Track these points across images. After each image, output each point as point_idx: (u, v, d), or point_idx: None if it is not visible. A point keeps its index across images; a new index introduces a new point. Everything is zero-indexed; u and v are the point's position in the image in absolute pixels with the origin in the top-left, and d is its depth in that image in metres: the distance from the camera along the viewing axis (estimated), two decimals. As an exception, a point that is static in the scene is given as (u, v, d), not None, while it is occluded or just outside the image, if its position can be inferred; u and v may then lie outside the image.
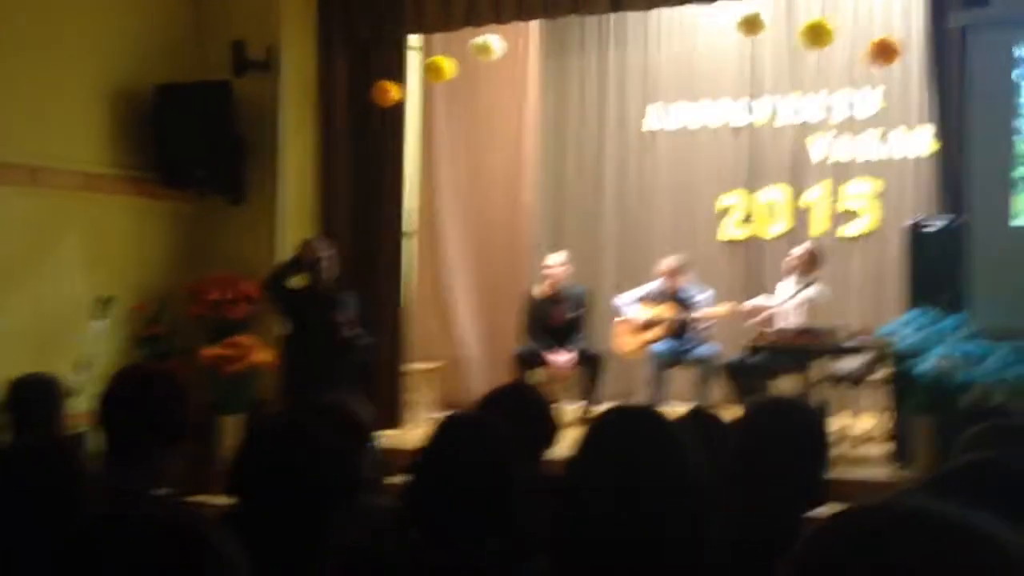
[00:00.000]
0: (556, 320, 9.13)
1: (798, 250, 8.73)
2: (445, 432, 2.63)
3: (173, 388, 3.28)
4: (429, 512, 2.50)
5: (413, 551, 2.50)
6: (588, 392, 8.94)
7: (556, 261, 9.23)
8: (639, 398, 9.11)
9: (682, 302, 9.06)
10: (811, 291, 8.42)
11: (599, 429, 2.41)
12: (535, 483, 2.60)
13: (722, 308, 8.97)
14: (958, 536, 1.02)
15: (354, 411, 3.48)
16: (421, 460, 2.57)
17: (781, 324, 8.33)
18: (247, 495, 2.47)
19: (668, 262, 9.20)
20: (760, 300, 8.91)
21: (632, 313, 9.18)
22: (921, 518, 1.03)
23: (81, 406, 5.89)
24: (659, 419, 2.41)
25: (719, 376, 8.65)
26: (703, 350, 8.83)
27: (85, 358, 6.99)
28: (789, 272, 8.68)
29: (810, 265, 8.57)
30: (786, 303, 8.52)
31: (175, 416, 3.21)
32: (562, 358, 8.94)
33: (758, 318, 8.51)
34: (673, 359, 8.92)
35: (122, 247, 8.39)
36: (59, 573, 1.14)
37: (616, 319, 9.34)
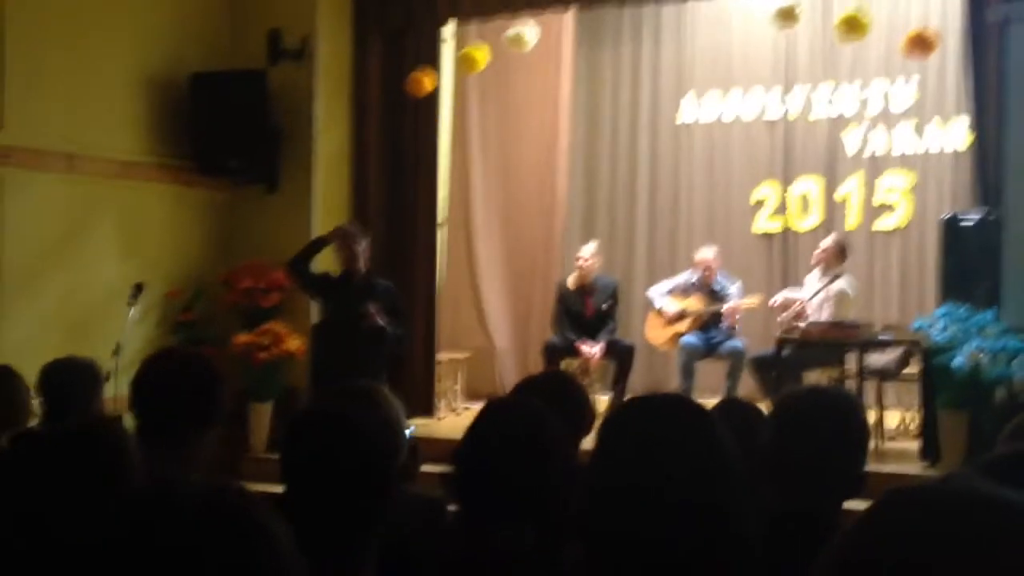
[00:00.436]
0: (587, 311, 9.14)
1: (826, 242, 8.69)
2: (489, 417, 2.63)
3: (208, 372, 3.26)
4: (471, 498, 2.50)
5: (453, 538, 2.52)
6: (618, 383, 8.93)
7: (588, 252, 9.22)
8: (670, 390, 9.09)
9: (715, 294, 9.04)
10: (836, 286, 8.38)
11: (625, 414, 2.39)
12: (574, 469, 2.59)
13: (751, 300, 8.94)
14: (1008, 514, 1.00)
15: (390, 399, 3.50)
16: (464, 445, 2.56)
17: (812, 318, 8.28)
18: (291, 483, 2.48)
19: (702, 254, 9.18)
20: (787, 293, 8.86)
21: (663, 304, 9.17)
22: (970, 498, 1.01)
23: (114, 391, 5.93)
24: (690, 404, 2.39)
25: (747, 370, 8.65)
26: (732, 344, 8.81)
27: (118, 344, 7.04)
28: (816, 265, 8.65)
29: (836, 258, 8.52)
30: (813, 297, 8.49)
31: (209, 400, 3.19)
32: (592, 348, 8.94)
33: (788, 312, 8.47)
34: (702, 352, 8.90)
35: (157, 234, 8.45)
36: (107, 553, 1.15)
37: (650, 310, 9.35)
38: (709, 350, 8.93)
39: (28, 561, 2.11)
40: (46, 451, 2.35)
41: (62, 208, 7.76)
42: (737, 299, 8.95)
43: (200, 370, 3.24)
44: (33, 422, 4.47)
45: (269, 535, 1.16)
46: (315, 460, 2.44)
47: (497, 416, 2.64)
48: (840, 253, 8.54)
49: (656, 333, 9.24)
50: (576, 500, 2.31)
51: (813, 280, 8.64)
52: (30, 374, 4.30)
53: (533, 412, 2.61)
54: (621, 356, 9.00)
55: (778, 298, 8.77)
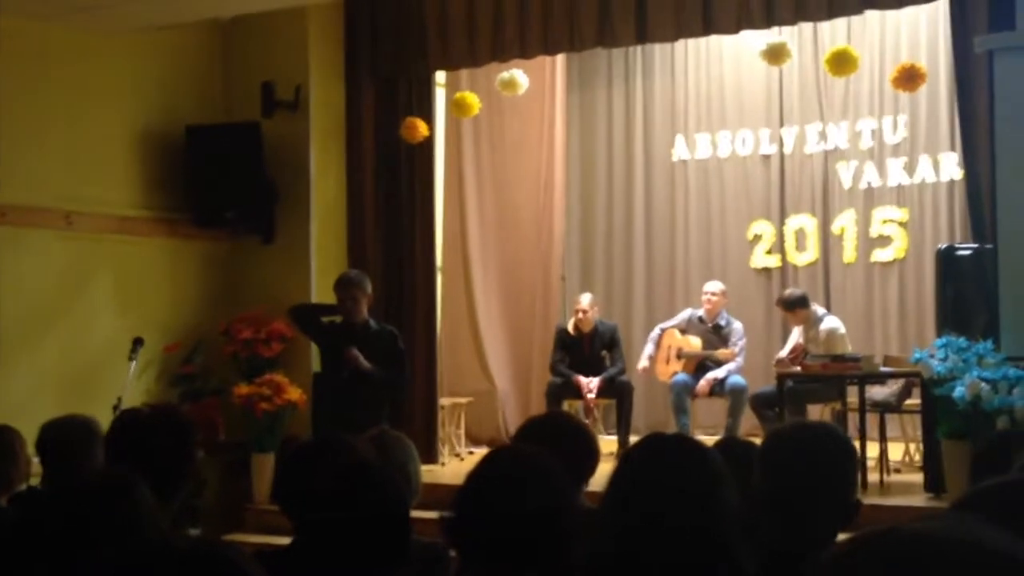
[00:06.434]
0: (588, 356, 9.17)
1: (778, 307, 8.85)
2: (489, 465, 2.62)
3: (178, 425, 3.31)
4: (469, 544, 2.50)
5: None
6: (620, 424, 8.94)
7: (587, 303, 9.25)
8: (672, 428, 9.09)
9: (719, 329, 9.07)
10: (824, 327, 8.42)
11: (636, 456, 2.41)
12: (578, 513, 2.58)
13: (726, 351, 8.94)
14: (984, 559, 1.00)
15: (402, 442, 3.52)
16: (464, 493, 2.56)
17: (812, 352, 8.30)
18: (309, 532, 2.47)
19: (710, 286, 9.22)
20: (792, 342, 8.83)
21: (650, 351, 9.26)
22: (945, 541, 1.01)
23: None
24: (696, 447, 2.40)
25: (748, 407, 8.64)
26: (733, 380, 8.81)
27: (119, 399, 7.03)
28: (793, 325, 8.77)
29: (797, 311, 8.56)
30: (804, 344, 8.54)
31: (175, 456, 3.23)
32: (589, 383, 8.96)
33: (785, 354, 8.51)
34: (696, 390, 8.92)
35: (155, 288, 8.46)
36: None
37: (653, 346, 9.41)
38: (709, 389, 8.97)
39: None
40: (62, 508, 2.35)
41: (60, 265, 7.78)
42: (738, 338, 8.99)
43: (160, 427, 3.28)
44: (33, 481, 4.45)
45: None
46: (331, 509, 2.44)
47: (496, 464, 2.63)
48: (792, 305, 8.56)
49: (661, 368, 9.30)
50: (585, 541, 2.31)
51: (796, 334, 8.72)
52: (29, 432, 4.28)
53: (532, 458, 2.60)
54: (620, 394, 9.01)
55: (783, 353, 8.67)
